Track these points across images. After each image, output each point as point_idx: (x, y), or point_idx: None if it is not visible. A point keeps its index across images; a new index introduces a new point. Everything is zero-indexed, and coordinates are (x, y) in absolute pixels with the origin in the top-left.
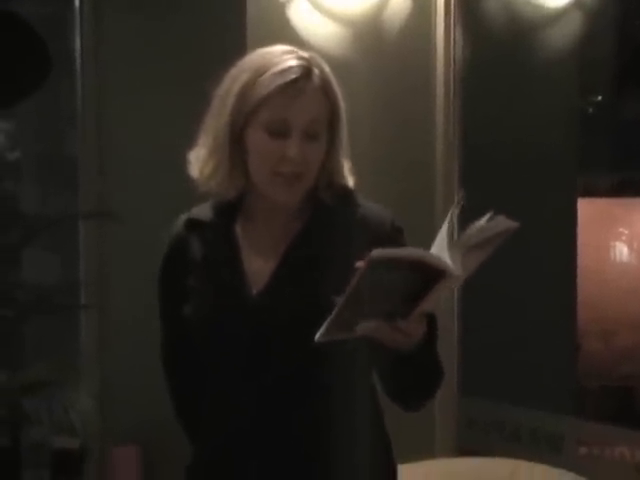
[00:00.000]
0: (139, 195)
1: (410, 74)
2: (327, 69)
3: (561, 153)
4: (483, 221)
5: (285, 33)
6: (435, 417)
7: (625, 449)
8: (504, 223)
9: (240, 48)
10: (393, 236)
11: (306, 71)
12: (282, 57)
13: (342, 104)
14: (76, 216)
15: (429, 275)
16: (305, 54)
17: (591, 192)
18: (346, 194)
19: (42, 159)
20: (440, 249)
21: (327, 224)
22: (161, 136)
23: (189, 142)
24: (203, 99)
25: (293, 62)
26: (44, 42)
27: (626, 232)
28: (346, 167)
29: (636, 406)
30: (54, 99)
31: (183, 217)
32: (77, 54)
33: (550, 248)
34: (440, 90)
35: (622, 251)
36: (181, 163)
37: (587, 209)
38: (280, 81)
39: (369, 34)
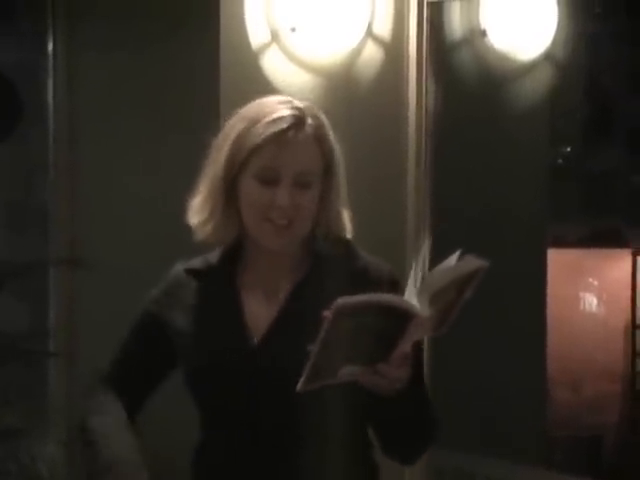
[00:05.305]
0: (109, 242)
1: (382, 124)
2: (323, 119)
3: (531, 203)
4: (451, 260)
5: (258, 82)
6: (404, 469)
7: None
8: (472, 263)
9: (213, 96)
10: (390, 288)
11: (298, 120)
12: (276, 107)
13: (338, 154)
14: (46, 263)
15: (401, 319)
16: (300, 104)
17: (561, 243)
18: (345, 245)
19: (12, 206)
20: (410, 293)
21: (326, 275)
22: (132, 183)
23: (160, 190)
24: (175, 147)
25: (286, 112)
26: (15, 88)
27: (595, 283)
28: (345, 216)
29: (605, 456)
30: (25, 145)
31: (180, 266)
32: (49, 100)
33: (520, 298)
34: (412, 140)
35: (591, 302)
36: (152, 211)
37: (557, 260)
38: (271, 130)
39: (341, 84)
